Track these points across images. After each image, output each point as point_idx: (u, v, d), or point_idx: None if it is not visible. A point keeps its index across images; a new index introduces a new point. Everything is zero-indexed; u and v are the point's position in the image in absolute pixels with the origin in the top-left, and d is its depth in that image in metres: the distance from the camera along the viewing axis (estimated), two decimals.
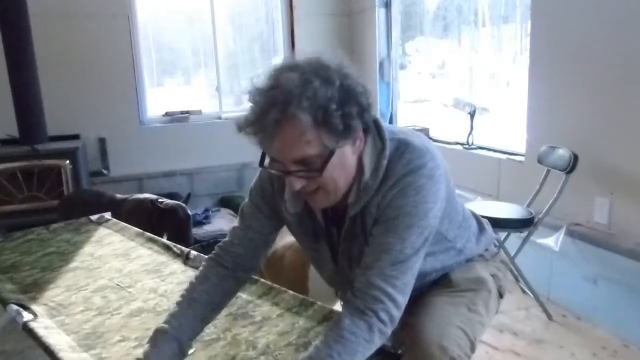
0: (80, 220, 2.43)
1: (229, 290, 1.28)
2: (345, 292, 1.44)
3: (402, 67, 4.66)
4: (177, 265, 1.87)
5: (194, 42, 4.89)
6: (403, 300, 1.06)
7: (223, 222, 3.80)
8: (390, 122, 4.48)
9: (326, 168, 1.02)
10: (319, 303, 1.49)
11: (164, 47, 4.83)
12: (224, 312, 1.51)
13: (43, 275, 1.84)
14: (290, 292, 1.55)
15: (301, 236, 1.28)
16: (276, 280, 1.63)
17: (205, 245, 2.78)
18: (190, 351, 1.19)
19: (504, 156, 3.20)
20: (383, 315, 1.02)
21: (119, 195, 3.14)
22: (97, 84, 4.09)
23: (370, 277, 1.05)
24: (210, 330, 1.28)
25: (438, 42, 4.49)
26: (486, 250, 1.38)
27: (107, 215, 2.48)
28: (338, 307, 1.55)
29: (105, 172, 4.20)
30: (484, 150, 3.44)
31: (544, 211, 2.53)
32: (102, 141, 4.17)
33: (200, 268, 1.30)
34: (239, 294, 1.62)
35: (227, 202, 4.38)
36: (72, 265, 1.93)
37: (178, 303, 1.20)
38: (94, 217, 2.45)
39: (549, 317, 2.57)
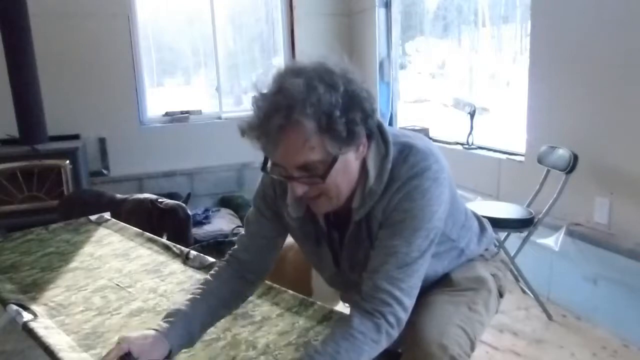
0: (79, 220, 2.43)
1: (239, 289, 1.28)
2: (345, 292, 1.44)
3: (402, 67, 4.66)
4: (176, 265, 1.87)
5: (194, 42, 4.89)
6: (410, 302, 1.07)
7: (223, 222, 3.80)
8: (390, 122, 4.48)
9: (329, 174, 1.02)
10: (318, 303, 1.49)
11: (164, 47, 4.83)
12: None
13: (43, 275, 1.84)
14: (290, 291, 1.55)
15: (303, 240, 1.28)
16: (279, 281, 1.63)
17: (205, 246, 2.78)
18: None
19: (504, 156, 3.20)
20: (391, 318, 1.03)
21: (119, 195, 3.14)
22: (97, 84, 4.09)
23: (378, 280, 1.06)
24: (210, 330, 1.28)
25: (438, 42, 4.49)
26: (486, 250, 1.39)
27: (107, 215, 2.48)
28: (339, 307, 1.55)
29: (105, 172, 4.20)
30: (484, 150, 3.44)
31: (544, 211, 2.53)
32: (102, 141, 4.17)
33: (211, 271, 1.31)
34: None
35: (227, 202, 4.38)
36: (72, 265, 1.93)
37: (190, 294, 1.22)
38: (93, 217, 2.45)
39: (549, 317, 2.57)
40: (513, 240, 2.65)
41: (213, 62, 4.64)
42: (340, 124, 0.98)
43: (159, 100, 4.53)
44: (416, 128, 3.89)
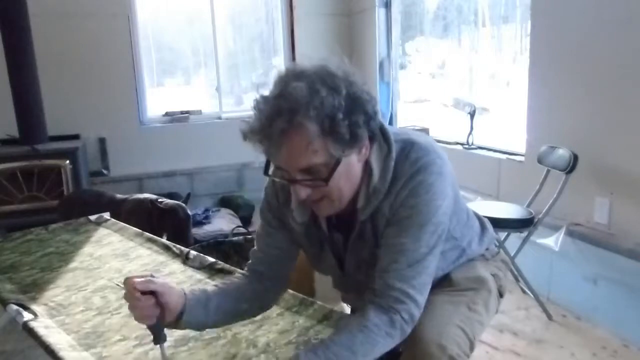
0: (79, 220, 2.43)
1: (260, 294, 1.27)
2: (347, 293, 1.44)
3: (402, 67, 4.67)
4: (176, 265, 1.87)
5: (194, 42, 4.89)
6: (422, 299, 1.08)
7: (223, 222, 3.80)
8: (390, 122, 4.48)
9: (332, 177, 1.02)
10: (319, 302, 1.49)
11: (164, 47, 4.83)
12: None
13: (42, 275, 1.84)
14: (290, 291, 1.55)
15: (307, 245, 1.27)
16: None
17: (205, 246, 2.77)
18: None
19: (504, 156, 3.20)
20: (405, 315, 1.05)
21: (119, 195, 3.14)
22: (97, 84, 4.10)
23: (389, 279, 1.07)
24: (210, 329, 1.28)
25: (438, 42, 4.49)
26: (487, 249, 1.39)
27: (106, 215, 2.48)
28: (340, 307, 1.55)
29: (105, 172, 4.20)
30: (484, 150, 3.44)
31: (544, 211, 2.53)
32: (102, 141, 4.18)
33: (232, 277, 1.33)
34: None
35: (227, 202, 4.38)
36: (72, 265, 1.93)
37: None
38: (92, 217, 2.45)
39: (549, 317, 2.57)
40: (513, 240, 2.65)
41: (213, 62, 4.64)
42: (343, 127, 0.98)
43: (159, 100, 4.54)
44: (416, 128, 3.89)
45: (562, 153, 2.51)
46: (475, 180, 3.30)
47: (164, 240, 2.15)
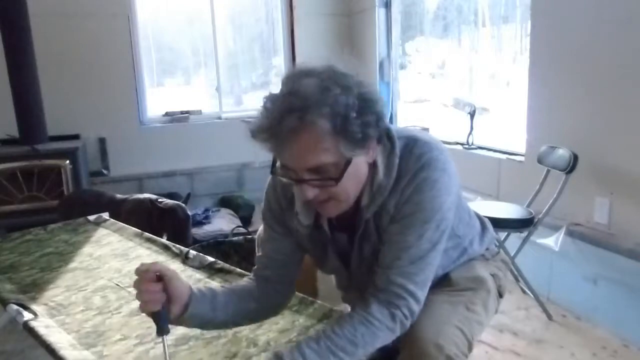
0: (78, 220, 2.43)
1: (269, 296, 1.25)
2: (348, 293, 1.44)
3: (402, 67, 4.67)
4: (176, 265, 1.87)
5: (194, 42, 4.89)
6: (423, 295, 1.10)
7: (223, 222, 3.80)
8: (390, 122, 4.47)
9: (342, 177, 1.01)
10: (319, 302, 1.49)
11: (164, 47, 4.83)
12: None
13: (42, 275, 1.84)
14: None
15: (311, 249, 1.27)
16: None
17: (205, 246, 2.77)
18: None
19: (504, 156, 3.20)
20: (405, 311, 1.07)
21: (119, 195, 3.14)
22: (97, 84, 4.10)
23: (391, 275, 1.08)
24: None
25: (438, 42, 4.49)
26: (487, 249, 1.39)
27: (105, 215, 2.48)
28: (341, 307, 1.55)
29: (105, 172, 4.20)
30: (484, 150, 3.44)
31: (544, 211, 2.53)
32: (102, 141, 4.18)
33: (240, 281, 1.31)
34: None
35: (227, 202, 4.37)
36: (71, 265, 1.93)
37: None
38: (91, 218, 2.45)
39: (549, 317, 2.57)
40: (513, 240, 2.65)
41: (213, 62, 4.64)
42: (355, 126, 0.97)
43: (159, 100, 4.54)
44: (416, 128, 3.89)
45: (562, 153, 2.51)
46: (475, 180, 3.30)
47: (163, 240, 2.15)
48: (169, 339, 1.13)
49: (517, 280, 2.74)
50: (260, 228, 1.31)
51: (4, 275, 1.84)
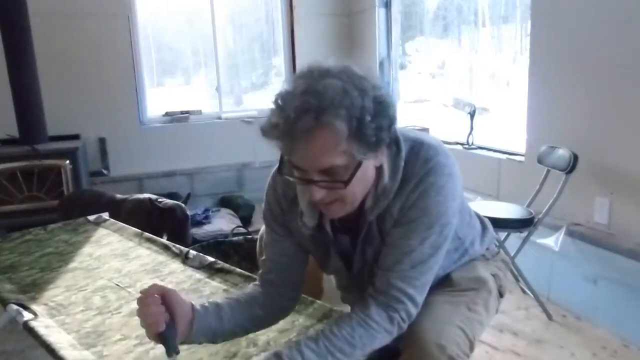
0: (78, 220, 2.43)
1: (277, 301, 1.24)
2: (348, 293, 1.43)
3: (402, 67, 4.67)
4: (176, 265, 1.87)
5: (194, 42, 4.89)
6: (421, 298, 1.10)
7: (223, 222, 3.80)
8: None
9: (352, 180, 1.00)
10: (318, 302, 1.49)
11: (164, 47, 4.83)
12: None
13: (42, 275, 1.84)
14: None
15: (314, 250, 1.26)
16: None
17: (205, 246, 2.77)
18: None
19: (504, 156, 3.20)
20: (403, 314, 1.07)
21: (118, 195, 3.14)
22: (97, 84, 4.10)
23: (391, 278, 1.08)
24: None
25: (438, 42, 4.49)
26: (487, 249, 1.39)
27: (105, 215, 2.48)
28: (341, 307, 1.55)
29: (105, 172, 4.20)
30: (484, 150, 3.44)
31: (544, 211, 2.53)
32: (102, 141, 4.18)
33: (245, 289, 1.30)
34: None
35: (227, 202, 4.38)
36: (71, 265, 1.93)
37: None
38: (91, 218, 2.45)
39: (549, 317, 2.57)
40: (513, 240, 2.65)
41: (213, 62, 4.64)
42: (369, 130, 0.95)
43: (159, 100, 4.54)
44: (416, 128, 3.89)
45: (562, 153, 2.51)
46: (475, 180, 3.29)
47: (163, 240, 2.15)
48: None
49: (517, 280, 2.73)
50: (262, 228, 1.31)
51: (4, 275, 1.84)
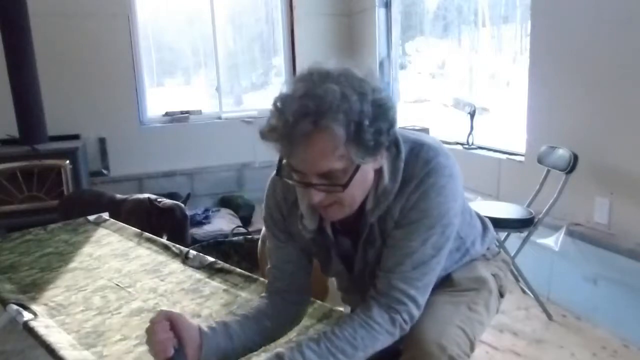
0: (77, 220, 2.43)
1: (278, 307, 1.23)
2: (349, 294, 1.43)
3: (402, 67, 4.67)
4: (176, 265, 1.87)
5: (194, 42, 4.89)
6: (423, 300, 1.10)
7: (223, 222, 3.80)
8: None
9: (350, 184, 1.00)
10: (318, 302, 1.49)
11: (164, 47, 4.83)
12: (224, 309, 1.52)
13: (42, 275, 1.84)
14: None
15: (315, 253, 1.26)
16: None
17: (205, 246, 2.78)
18: None
19: (504, 156, 3.20)
20: (405, 315, 1.07)
21: (118, 195, 3.14)
22: (97, 84, 4.10)
23: (393, 280, 1.07)
24: None
25: (438, 42, 4.49)
26: (488, 249, 1.39)
27: (105, 215, 2.48)
28: (341, 308, 1.55)
29: (105, 172, 4.20)
30: (484, 150, 3.44)
31: (544, 211, 2.53)
32: (102, 141, 4.18)
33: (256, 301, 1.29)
34: (238, 292, 1.62)
35: (227, 202, 4.38)
36: (71, 265, 1.93)
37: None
38: (91, 218, 2.45)
39: (549, 317, 2.57)
40: (513, 240, 2.65)
41: (213, 62, 4.64)
42: (368, 134, 0.95)
43: (159, 100, 4.53)
44: (416, 128, 3.88)
45: (562, 153, 2.51)
46: (475, 180, 3.30)
47: (163, 240, 2.15)
48: None
49: (517, 280, 2.73)
50: (264, 230, 1.31)
51: (4, 275, 1.84)
